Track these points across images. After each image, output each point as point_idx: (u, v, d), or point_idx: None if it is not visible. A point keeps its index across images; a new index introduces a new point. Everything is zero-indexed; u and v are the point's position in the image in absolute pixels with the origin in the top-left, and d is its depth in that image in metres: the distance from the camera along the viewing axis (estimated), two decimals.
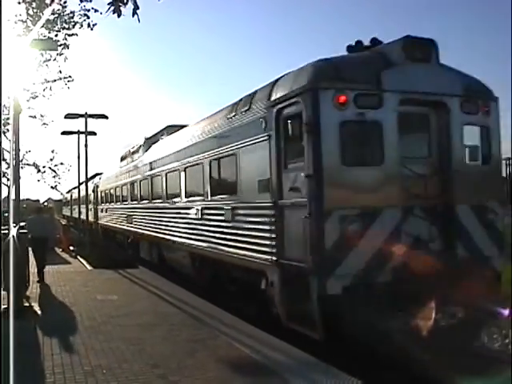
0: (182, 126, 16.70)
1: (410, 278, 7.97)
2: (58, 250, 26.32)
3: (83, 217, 30.99)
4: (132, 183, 21.09)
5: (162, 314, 10.78)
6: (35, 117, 19.34)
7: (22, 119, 14.20)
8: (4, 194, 21.53)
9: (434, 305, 8.13)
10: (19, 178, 13.25)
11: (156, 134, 19.83)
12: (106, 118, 27.97)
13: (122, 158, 24.59)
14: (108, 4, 5.73)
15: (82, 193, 29.80)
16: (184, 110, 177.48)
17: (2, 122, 18.37)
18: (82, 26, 17.00)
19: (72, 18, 16.93)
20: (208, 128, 12.55)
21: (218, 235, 11.49)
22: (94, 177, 29.88)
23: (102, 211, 30.16)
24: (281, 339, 8.69)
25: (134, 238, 21.43)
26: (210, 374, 6.83)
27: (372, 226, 8.12)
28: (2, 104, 18.05)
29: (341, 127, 8.14)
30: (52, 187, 21.76)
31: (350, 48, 9.49)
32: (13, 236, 10.45)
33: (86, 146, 27.54)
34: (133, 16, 5.68)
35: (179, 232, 14.24)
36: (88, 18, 16.82)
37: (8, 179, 18.73)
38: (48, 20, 16.33)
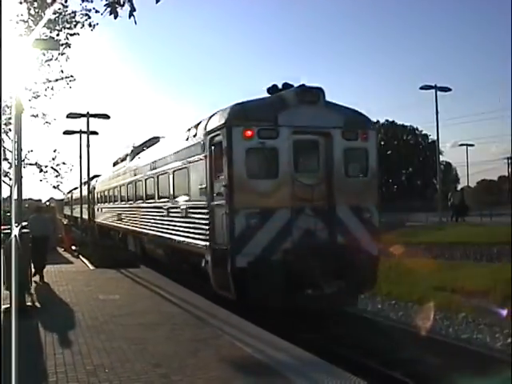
0: (161, 138, 20.21)
1: (297, 257, 11.31)
2: (60, 250, 26.35)
3: (85, 216, 31.10)
4: (120, 186, 24.33)
5: (164, 313, 10.78)
6: (37, 116, 19.30)
7: (24, 119, 14.20)
8: (6, 193, 21.58)
9: (322, 278, 11.33)
10: (21, 177, 13.24)
11: (141, 144, 23.42)
12: (108, 117, 28.03)
13: (114, 164, 28.01)
14: (104, 5, 5.73)
15: (83, 193, 32.11)
16: (185, 109, 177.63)
17: (4, 121, 18.36)
18: (83, 25, 16.99)
19: (73, 17, 16.92)
20: (172, 146, 15.84)
21: (177, 228, 14.63)
22: (91, 179, 30.22)
23: (97, 210, 31.92)
24: (282, 339, 8.69)
25: (123, 233, 24.46)
26: (213, 373, 6.81)
27: (268, 221, 11.43)
28: (4, 103, 18.12)
29: (247, 152, 11.49)
30: (54, 187, 21.80)
31: (268, 89, 12.73)
32: (15, 235, 10.43)
33: (87, 145, 27.61)
34: (129, 17, 5.67)
35: (154, 227, 17.42)
36: (89, 17, 16.82)
37: (10, 179, 18.74)
38: (49, 19, 16.31)
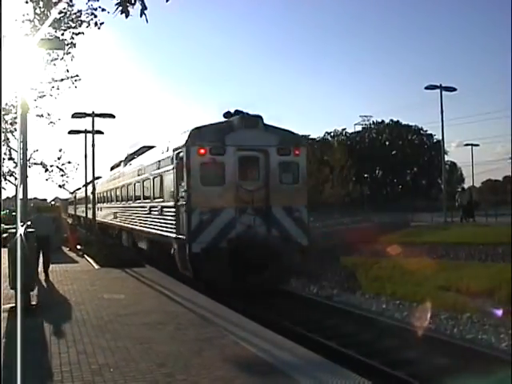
0: (152, 147, 22.81)
1: (240, 246, 14.61)
2: (66, 249, 26.40)
3: (89, 216, 31.26)
4: (116, 188, 27.73)
5: (168, 313, 10.79)
6: (42, 115, 19.30)
7: (30, 118, 14.23)
8: (12, 193, 21.53)
9: (260, 262, 14.59)
10: (27, 177, 13.27)
11: (133, 152, 26.69)
12: (113, 117, 28.09)
13: (111, 168, 31.77)
14: (116, 4, 5.71)
15: (87, 193, 34.25)
16: (192, 109, 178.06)
17: (10, 121, 18.39)
18: (89, 24, 16.98)
19: (79, 16, 16.91)
20: (153, 157, 19.54)
21: (155, 224, 18.16)
22: (94, 180, 30.59)
23: (98, 210, 33.38)
24: (286, 338, 8.69)
25: (119, 230, 27.51)
26: (217, 373, 6.81)
27: (217, 217, 14.85)
28: (10, 103, 18.15)
29: (201, 166, 15.01)
30: (60, 186, 21.75)
31: (224, 114, 16.15)
32: (20, 235, 10.47)
33: (93, 145, 27.66)
34: (140, 16, 5.65)
35: (140, 223, 20.96)
36: (95, 16, 16.80)
37: (16, 178, 18.77)
38: (55, 19, 16.31)
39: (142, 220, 20.39)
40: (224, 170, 15.20)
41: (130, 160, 25.99)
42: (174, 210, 15.87)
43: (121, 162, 28.69)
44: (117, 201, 27.36)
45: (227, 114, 16.02)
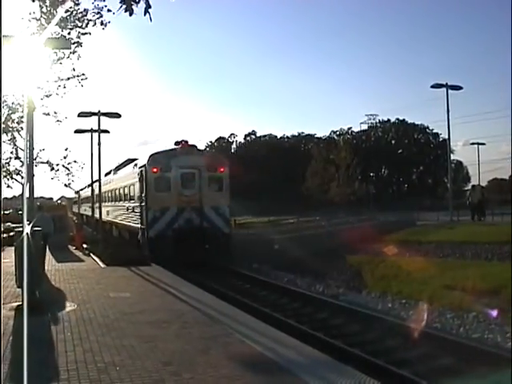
0: (135, 159, 27.51)
1: (181, 233, 21.24)
2: (72, 248, 26.48)
3: (96, 215, 31.40)
4: (108, 191, 33.13)
5: (174, 311, 10.80)
6: (49, 114, 19.30)
7: (36, 117, 14.26)
8: (18, 191, 21.51)
9: (195, 245, 21.28)
10: (33, 175, 13.29)
11: (122, 163, 33.12)
12: (119, 116, 28.11)
13: (106, 174, 35.88)
14: (120, 2, 5.71)
15: (89, 193, 37.53)
16: (197, 107, 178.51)
17: (17, 120, 18.43)
18: (95, 23, 16.98)
19: (85, 15, 16.91)
20: (130, 170, 26.54)
21: (131, 218, 25.01)
22: (99, 179, 30.98)
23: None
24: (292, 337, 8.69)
25: (110, 224, 32.76)
26: (223, 371, 6.81)
27: (165, 214, 21.47)
28: (17, 102, 18.19)
29: (154, 180, 21.84)
30: (66, 185, 21.77)
31: (175, 143, 23.80)
32: (27, 233, 10.50)
33: (99, 144, 27.73)
34: (144, 15, 5.64)
35: (123, 218, 27.60)
36: (101, 15, 16.80)
37: (22, 177, 18.81)
38: (61, 18, 16.32)
39: (124, 216, 27.10)
40: (170, 182, 22.15)
41: (118, 170, 33.09)
42: (139, 209, 23.03)
43: (111, 170, 35.44)
44: (109, 201, 32.80)
45: (176, 143, 23.66)
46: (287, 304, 15.73)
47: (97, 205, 32.41)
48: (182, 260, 19.71)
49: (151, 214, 21.52)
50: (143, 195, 22.01)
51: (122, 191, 27.73)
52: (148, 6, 5.62)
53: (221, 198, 22.70)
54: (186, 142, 23.30)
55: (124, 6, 5.68)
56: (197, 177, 22.20)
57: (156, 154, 22.85)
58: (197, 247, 21.13)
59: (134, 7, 5.68)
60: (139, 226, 22.55)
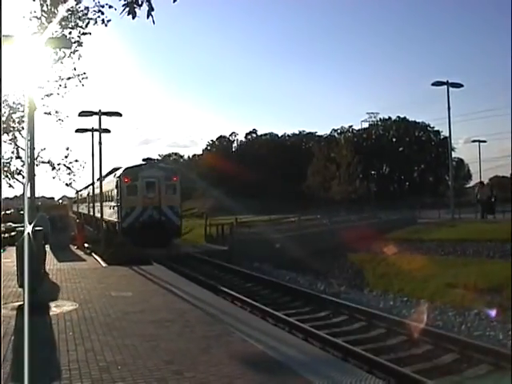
0: (118, 168, 34.07)
1: (145, 226, 28.37)
2: (73, 248, 26.51)
3: (97, 214, 31.72)
4: (101, 193, 37.49)
5: (176, 310, 10.80)
6: (50, 113, 19.25)
7: (37, 117, 14.25)
8: (19, 191, 21.50)
9: (156, 234, 27.82)
10: (34, 175, 13.29)
11: (110, 171, 37.82)
12: (120, 115, 28.10)
13: (97, 179, 40.35)
14: (123, 6, 5.71)
15: (88, 193, 41.66)
16: (197, 108, 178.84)
17: (17, 119, 18.41)
18: (96, 22, 16.90)
19: (86, 14, 16.84)
20: (112, 178, 32.98)
21: (113, 214, 31.47)
22: (101, 178, 31.43)
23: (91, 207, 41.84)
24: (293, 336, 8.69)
25: (100, 219, 37.12)
26: (225, 370, 6.81)
27: (133, 211, 29.02)
28: (18, 102, 18.17)
29: (127, 187, 29.62)
30: (67, 184, 21.75)
31: (143, 159, 36.26)
32: (28, 233, 10.49)
33: (100, 143, 27.71)
34: (147, 17, 5.64)
35: (108, 214, 32.78)
36: (102, 13, 16.71)
37: (23, 177, 18.79)
38: (62, 17, 16.26)
39: (109, 212, 32.81)
40: (137, 188, 29.17)
41: (107, 176, 37.91)
42: (116, 208, 30.09)
43: (101, 176, 39.47)
44: (99, 201, 37.22)
45: (145, 159, 35.04)
46: (289, 302, 15.75)
47: (96, 204, 34.38)
48: (146, 243, 26.09)
49: (124, 211, 28.98)
50: (118, 198, 29.62)
51: (108, 194, 34.10)
52: (151, 9, 5.61)
53: (174, 199, 30.07)
54: (150, 159, 36.53)
55: (127, 9, 5.68)
56: (157, 184, 29.41)
57: (128, 168, 30.99)
58: (156, 234, 27.50)
59: (136, 10, 5.68)
60: (116, 219, 30.31)
